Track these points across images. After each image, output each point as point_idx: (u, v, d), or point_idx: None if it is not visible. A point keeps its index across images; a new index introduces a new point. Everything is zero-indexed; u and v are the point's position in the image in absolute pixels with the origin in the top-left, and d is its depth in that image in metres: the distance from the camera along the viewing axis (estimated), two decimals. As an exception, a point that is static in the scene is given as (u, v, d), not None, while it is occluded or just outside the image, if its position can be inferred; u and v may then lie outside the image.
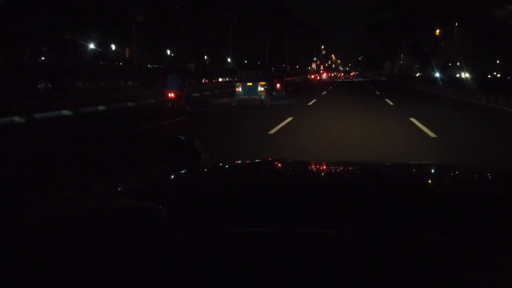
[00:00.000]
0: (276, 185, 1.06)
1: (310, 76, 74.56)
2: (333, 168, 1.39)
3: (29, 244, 0.64)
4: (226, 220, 0.71)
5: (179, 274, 0.55)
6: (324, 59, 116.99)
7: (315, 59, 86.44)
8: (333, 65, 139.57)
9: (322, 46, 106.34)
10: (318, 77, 63.74)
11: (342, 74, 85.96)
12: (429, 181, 1.18)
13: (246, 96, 13.29)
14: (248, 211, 0.77)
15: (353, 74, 79.26)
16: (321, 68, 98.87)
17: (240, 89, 13.39)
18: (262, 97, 13.20)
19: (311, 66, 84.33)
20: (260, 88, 13.19)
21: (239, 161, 1.74)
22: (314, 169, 1.39)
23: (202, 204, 0.83)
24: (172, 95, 12.05)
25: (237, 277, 0.54)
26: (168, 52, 35.73)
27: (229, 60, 40.20)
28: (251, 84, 13.30)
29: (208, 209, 0.78)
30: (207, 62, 40.88)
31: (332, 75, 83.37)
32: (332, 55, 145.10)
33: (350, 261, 0.56)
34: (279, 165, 1.35)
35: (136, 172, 1.32)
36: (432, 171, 1.34)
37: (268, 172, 1.27)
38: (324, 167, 1.40)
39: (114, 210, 0.83)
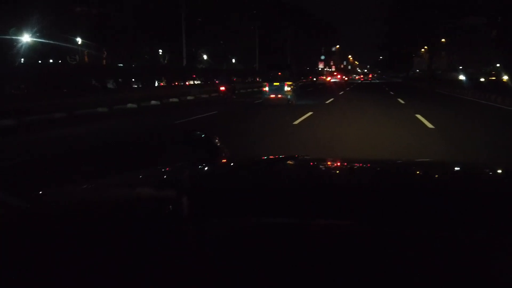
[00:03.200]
0: (292, 180, 1.22)
1: (326, 77, 74.06)
2: (351, 166, 1.51)
3: (52, 230, 0.75)
4: (241, 213, 0.82)
5: (192, 264, 0.62)
6: (339, 59, 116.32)
7: (323, 57, 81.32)
8: (349, 66, 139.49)
9: (338, 46, 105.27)
10: (339, 78, 62.91)
11: (362, 76, 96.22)
12: (446, 179, 1.29)
13: (273, 96, 15.66)
14: (262, 205, 0.86)
15: (371, 76, 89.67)
16: (333, 69, 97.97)
17: (267, 88, 15.85)
18: (289, 97, 15.59)
19: (317, 66, 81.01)
20: (287, 88, 15.52)
21: (257, 158, 1.92)
22: (332, 166, 1.56)
23: (218, 196, 0.93)
24: (223, 88, 18.68)
25: (253, 268, 0.60)
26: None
27: (206, 57, 37.82)
28: (278, 84, 15.61)
29: (225, 202, 0.88)
30: (166, 60, 38.03)
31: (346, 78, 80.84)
32: (349, 56, 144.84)
33: (367, 254, 0.63)
34: (297, 162, 1.50)
35: (154, 167, 1.49)
36: (450, 169, 1.52)
37: (285, 168, 1.41)
38: (342, 165, 1.56)
39: (132, 199, 0.94)
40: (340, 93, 25.62)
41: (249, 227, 0.74)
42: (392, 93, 25.63)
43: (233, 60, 49.67)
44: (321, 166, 1.52)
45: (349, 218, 0.76)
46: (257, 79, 36.71)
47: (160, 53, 40.43)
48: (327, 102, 17.77)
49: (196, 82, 30.47)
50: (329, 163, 1.61)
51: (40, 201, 1.00)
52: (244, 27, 43.99)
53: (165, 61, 39.37)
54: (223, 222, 0.76)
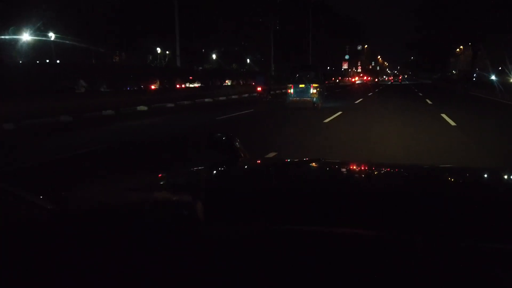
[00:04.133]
0: (309, 184, 1.17)
1: (351, 78, 69.79)
2: (368, 170, 1.48)
3: (74, 230, 0.76)
4: (258, 218, 0.79)
5: (206, 269, 0.62)
6: (367, 60, 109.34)
7: (347, 57, 72.60)
8: (378, 67, 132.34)
9: (366, 46, 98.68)
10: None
11: (392, 77, 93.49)
12: (471, 185, 1.23)
13: (297, 98, 14.77)
14: (282, 210, 0.84)
15: (401, 78, 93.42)
16: (359, 70, 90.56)
17: (292, 90, 14.95)
18: (314, 99, 14.65)
19: (341, 67, 73.63)
20: (313, 90, 14.64)
21: (277, 160, 1.90)
22: (352, 170, 1.54)
23: (235, 201, 0.92)
24: (260, 89, 18.85)
25: (270, 275, 0.59)
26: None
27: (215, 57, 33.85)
28: (303, 86, 14.74)
29: (242, 206, 0.87)
30: (166, 60, 33.99)
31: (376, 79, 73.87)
32: (379, 57, 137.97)
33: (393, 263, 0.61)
34: (316, 165, 1.47)
35: (174, 169, 1.53)
36: (476, 175, 1.43)
37: (304, 172, 1.39)
38: (362, 169, 1.52)
39: (150, 204, 0.93)
40: (357, 101, 18.88)
41: (261, 233, 0.73)
42: (429, 102, 18.34)
43: (248, 60, 45.03)
44: (345, 170, 1.52)
45: (375, 228, 0.73)
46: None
47: (159, 52, 36.61)
48: (327, 120, 10.90)
49: (193, 84, 27.01)
50: (353, 167, 1.59)
51: (64, 202, 0.99)
52: (259, 29, 39.84)
53: (165, 61, 35.51)
54: (236, 227, 0.76)
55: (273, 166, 1.50)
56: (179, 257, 0.64)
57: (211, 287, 0.57)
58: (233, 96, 23.08)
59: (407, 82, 70.60)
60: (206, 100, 19.68)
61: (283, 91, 19.50)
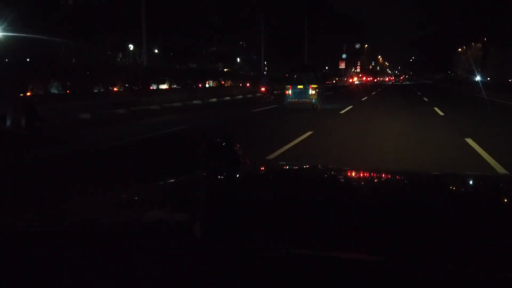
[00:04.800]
0: (314, 196, 1.12)
1: (349, 79, 66.69)
2: (380, 178, 1.43)
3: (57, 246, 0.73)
4: (260, 236, 0.76)
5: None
6: (368, 60, 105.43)
7: (344, 56, 66.56)
8: (378, 67, 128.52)
9: (366, 45, 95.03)
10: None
11: (393, 77, 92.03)
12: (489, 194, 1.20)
13: (296, 99, 14.41)
14: (286, 226, 0.81)
15: (403, 78, 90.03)
16: (358, 70, 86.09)
17: (290, 91, 14.53)
18: (313, 101, 14.29)
19: (339, 67, 68.79)
20: (312, 91, 14.26)
21: (277, 167, 1.85)
22: (358, 178, 1.48)
23: (236, 216, 0.89)
24: (263, 89, 20.30)
25: None
26: None
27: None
28: (302, 87, 14.34)
29: (242, 222, 0.84)
30: (140, 59, 29.83)
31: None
32: (379, 57, 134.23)
33: None
34: (318, 172, 1.44)
35: (171, 177, 1.39)
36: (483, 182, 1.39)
37: (308, 181, 1.37)
38: (371, 176, 1.49)
39: (145, 222, 0.89)
40: (344, 110, 14.24)
41: (261, 256, 0.69)
42: (440, 112, 13.16)
43: (238, 60, 41.70)
44: (345, 179, 1.47)
45: (383, 252, 0.68)
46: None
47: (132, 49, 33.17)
48: (282, 150, 6.85)
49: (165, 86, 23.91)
50: (352, 174, 1.55)
51: (56, 220, 0.95)
52: (250, 28, 36.33)
53: (140, 59, 31.89)
54: (234, 246, 0.72)
55: (275, 174, 1.47)
56: (175, 276, 0.63)
57: None
58: (194, 102, 18.91)
59: (407, 83, 68.53)
60: (152, 107, 15.43)
61: (279, 91, 19.14)
